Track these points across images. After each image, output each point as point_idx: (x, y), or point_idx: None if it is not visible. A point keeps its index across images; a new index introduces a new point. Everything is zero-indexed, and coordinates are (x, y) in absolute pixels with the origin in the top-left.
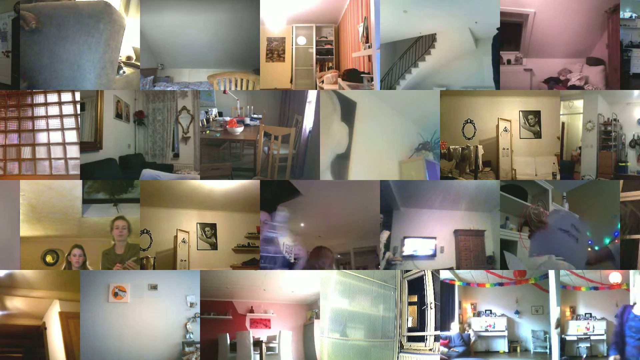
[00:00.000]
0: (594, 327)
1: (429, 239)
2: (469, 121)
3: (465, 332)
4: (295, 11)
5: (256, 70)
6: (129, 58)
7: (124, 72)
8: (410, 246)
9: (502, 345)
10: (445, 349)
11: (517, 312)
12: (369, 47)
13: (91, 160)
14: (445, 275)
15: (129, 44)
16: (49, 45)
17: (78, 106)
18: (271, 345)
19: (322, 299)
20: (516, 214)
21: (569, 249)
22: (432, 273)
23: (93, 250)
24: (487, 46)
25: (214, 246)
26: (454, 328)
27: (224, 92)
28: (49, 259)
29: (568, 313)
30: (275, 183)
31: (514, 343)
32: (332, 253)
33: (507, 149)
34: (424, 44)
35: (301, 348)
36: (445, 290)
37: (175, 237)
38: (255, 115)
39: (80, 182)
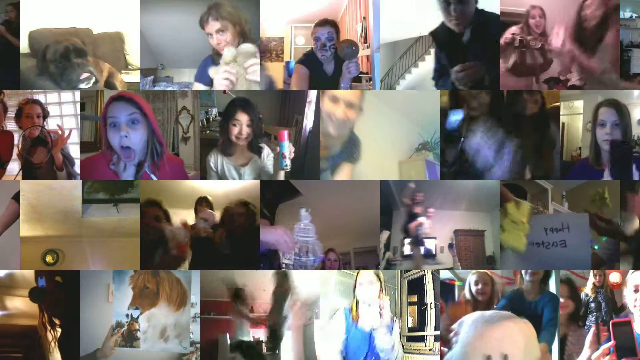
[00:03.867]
0: None
1: (429, 239)
2: None
3: None
4: (294, 11)
5: None
6: None
7: None
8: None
9: None
10: (446, 349)
11: None
12: (368, 47)
13: None
14: (445, 275)
15: None
16: None
17: (78, 106)
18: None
19: (322, 299)
20: None
21: None
22: (432, 273)
23: (93, 250)
24: None
25: None
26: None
27: (224, 92)
28: (49, 259)
29: None
30: (275, 183)
31: None
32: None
33: None
34: (424, 44)
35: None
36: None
37: None
38: None
39: (80, 182)
